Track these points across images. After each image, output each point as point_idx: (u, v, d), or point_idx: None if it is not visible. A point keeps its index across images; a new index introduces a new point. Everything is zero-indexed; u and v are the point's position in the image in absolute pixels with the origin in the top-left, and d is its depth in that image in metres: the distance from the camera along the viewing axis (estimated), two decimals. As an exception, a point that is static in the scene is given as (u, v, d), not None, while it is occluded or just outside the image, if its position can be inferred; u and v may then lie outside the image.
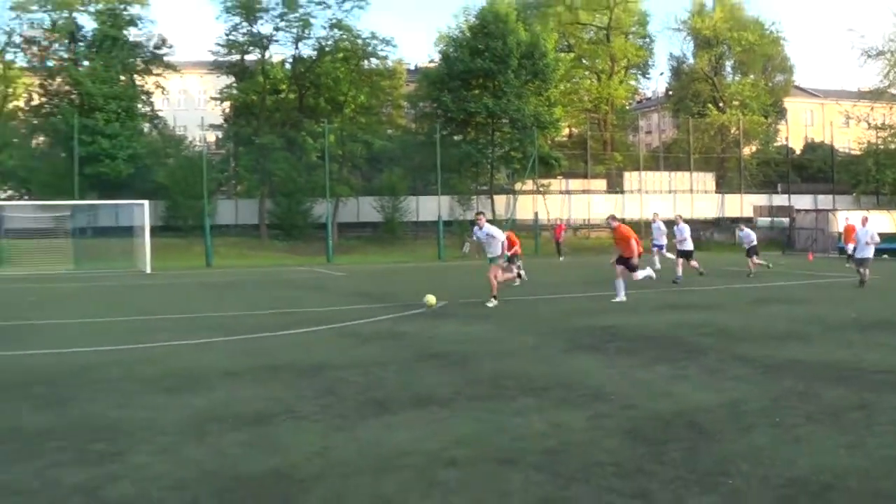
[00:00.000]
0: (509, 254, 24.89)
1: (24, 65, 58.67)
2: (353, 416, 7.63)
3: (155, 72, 59.57)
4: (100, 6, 56.17)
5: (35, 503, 5.36)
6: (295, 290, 24.63)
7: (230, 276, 33.05)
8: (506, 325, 14.74)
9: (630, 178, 62.77)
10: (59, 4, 55.57)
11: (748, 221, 34.22)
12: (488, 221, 19.96)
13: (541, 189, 57.83)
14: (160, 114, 62.25)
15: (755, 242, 27.99)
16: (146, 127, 59.28)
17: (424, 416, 7.55)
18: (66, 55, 57.28)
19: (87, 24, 57.23)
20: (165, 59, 59.80)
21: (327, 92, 59.38)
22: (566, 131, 69.91)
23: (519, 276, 23.46)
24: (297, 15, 55.71)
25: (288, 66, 59.87)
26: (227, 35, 57.12)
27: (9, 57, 58.03)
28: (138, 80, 58.60)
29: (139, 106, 57.06)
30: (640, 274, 19.78)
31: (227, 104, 60.38)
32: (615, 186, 63.47)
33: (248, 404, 8.19)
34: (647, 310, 17.24)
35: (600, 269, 25.91)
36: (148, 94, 59.19)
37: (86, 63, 55.53)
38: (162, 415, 7.80)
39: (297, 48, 58.28)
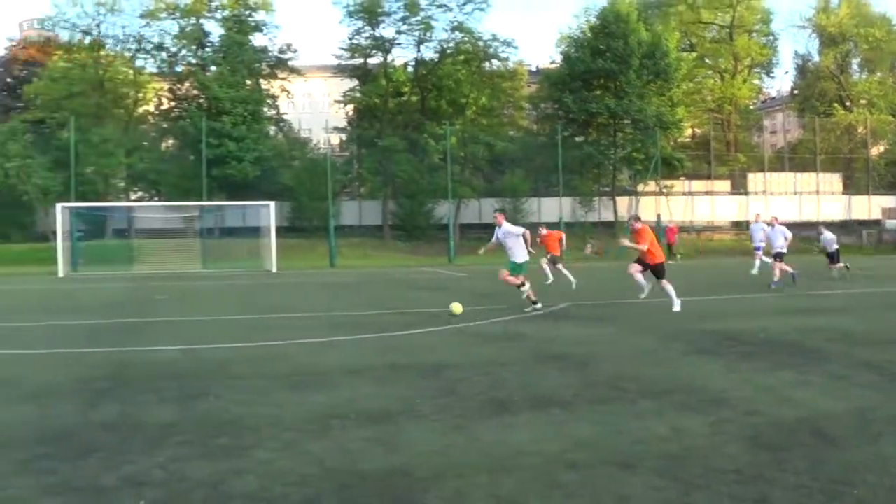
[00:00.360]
0: (555, 254, 24.85)
1: (154, 70, 60.48)
2: (473, 416, 7.62)
3: (280, 76, 60.82)
4: (226, 13, 57.57)
5: (160, 495, 5.45)
6: (417, 291, 24.80)
7: (353, 276, 33.61)
8: (625, 328, 14.60)
9: (754, 180, 61.66)
10: (187, 12, 57.38)
11: (828, 224, 32.97)
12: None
13: (663, 190, 57.11)
14: (285, 117, 63.60)
15: (837, 247, 27.07)
16: (272, 130, 60.58)
17: (544, 418, 7.50)
18: (194, 61, 58.90)
19: (214, 30, 59.08)
20: (290, 63, 60.99)
21: (449, 94, 59.80)
22: (689, 132, 68.98)
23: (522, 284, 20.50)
24: (418, 18, 56.32)
25: (410, 69, 60.52)
26: (350, 39, 58.32)
27: (139, 63, 59.95)
28: (264, 84, 59.93)
29: (265, 109, 58.34)
30: (668, 287, 17.57)
31: (350, 107, 61.34)
32: (739, 188, 62.37)
33: (370, 402, 8.25)
34: (768, 314, 16.88)
35: (720, 272, 25.35)
36: (273, 97, 60.46)
37: (213, 68, 57.09)
38: (286, 411, 7.90)
39: (418, 51, 59.04)
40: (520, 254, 17.90)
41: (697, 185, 62.55)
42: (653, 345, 12.41)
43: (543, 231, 25.99)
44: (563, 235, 26.62)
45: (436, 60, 59.24)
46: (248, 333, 14.27)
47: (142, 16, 58.04)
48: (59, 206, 41.00)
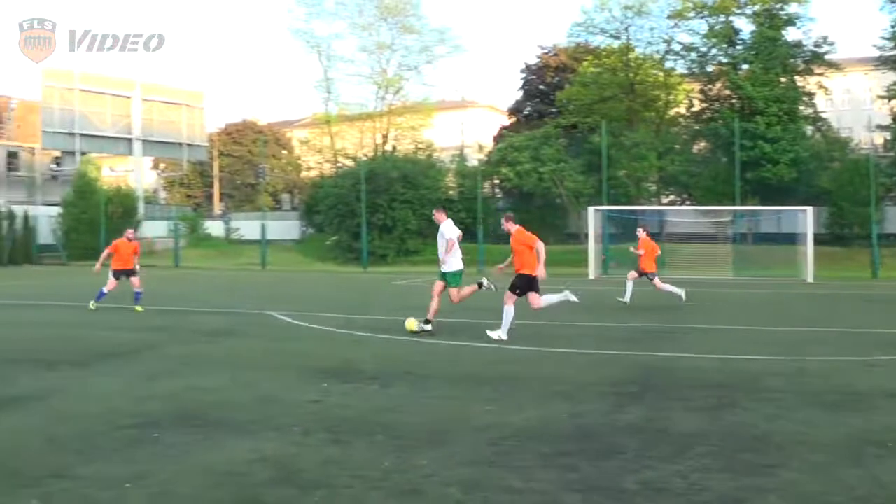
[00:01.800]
0: (646, 271, 21.00)
1: (684, 71, 60.65)
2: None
3: (816, 71, 58.11)
4: (756, 7, 56.17)
5: None
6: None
7: (900, 290, 31.06)
8: None
9: None
10: (716, 9, 56.64)
11: None
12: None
13: None
14: (823, 115, 60.63)
15: None
16: (808, 129, 58.01)
17: None
18: (724, 60, 57.99)
19: (744, 27, 57.64)
20: (827, 57, 58.04)
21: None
22: None
23: (481, 285, 15.39)
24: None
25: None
26: (892, 27, 54.18)
27: (669, 64, 60.51)
28: (799, 80, 57.53)
29: (801, 108, 56.00)
30: (509, 309, 14.04)
31: (894, 103, 57.24)
32: None
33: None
34: None
35: None
36: (810, 94, 57.89)
37: (744, 66, 55.79)
38: (817, 431, 7.62)
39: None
40: (452, 261, 14.92)
41: None
42: None
43: (643, 234, 21.78)
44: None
45: None
46: (781, 346, 13.78)
47: (669, 16, 58.52)
48: (590, 209, 42.52)
